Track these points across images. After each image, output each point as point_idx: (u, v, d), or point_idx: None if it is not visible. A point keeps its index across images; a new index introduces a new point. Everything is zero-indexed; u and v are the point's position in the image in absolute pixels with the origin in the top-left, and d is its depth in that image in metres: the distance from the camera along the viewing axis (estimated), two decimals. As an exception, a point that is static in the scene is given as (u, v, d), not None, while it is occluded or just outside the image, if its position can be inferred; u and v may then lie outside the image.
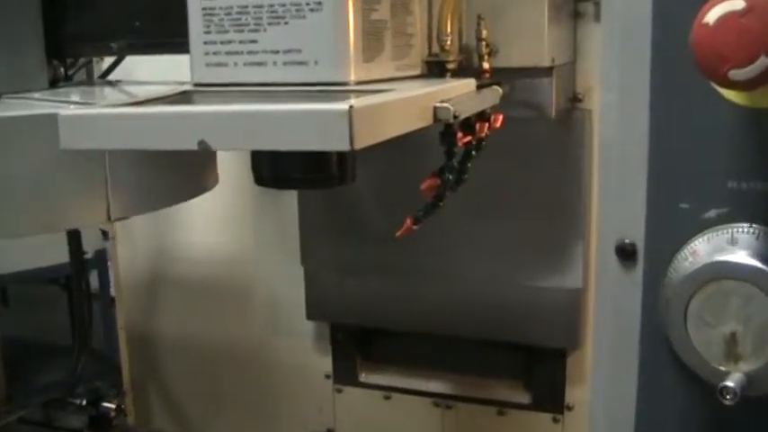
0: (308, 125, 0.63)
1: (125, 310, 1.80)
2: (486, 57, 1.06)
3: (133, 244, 1.76)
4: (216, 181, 1.15)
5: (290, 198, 1.50)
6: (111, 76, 1.34)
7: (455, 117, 0.79)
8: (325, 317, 1.56)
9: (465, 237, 1.38)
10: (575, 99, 1.33)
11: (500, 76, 1.07)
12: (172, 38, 1.04)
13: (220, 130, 0.66)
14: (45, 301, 3.22)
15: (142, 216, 1.66)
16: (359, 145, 0.63)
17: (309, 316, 1.55)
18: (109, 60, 1.35)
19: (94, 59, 1.40)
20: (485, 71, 1.05)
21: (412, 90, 0.80)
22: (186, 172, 1.06)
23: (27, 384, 2.42)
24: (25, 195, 0.90)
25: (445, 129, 0.86)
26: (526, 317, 1.40)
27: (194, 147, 0.67)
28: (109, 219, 0.94)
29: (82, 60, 1.28)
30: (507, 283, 1.40)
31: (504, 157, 1.29)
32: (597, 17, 1.32)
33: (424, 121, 0.78)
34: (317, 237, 1.51)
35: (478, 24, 1.06)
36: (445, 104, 0.79)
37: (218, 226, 1.65)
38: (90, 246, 2.36)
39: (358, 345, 1.58)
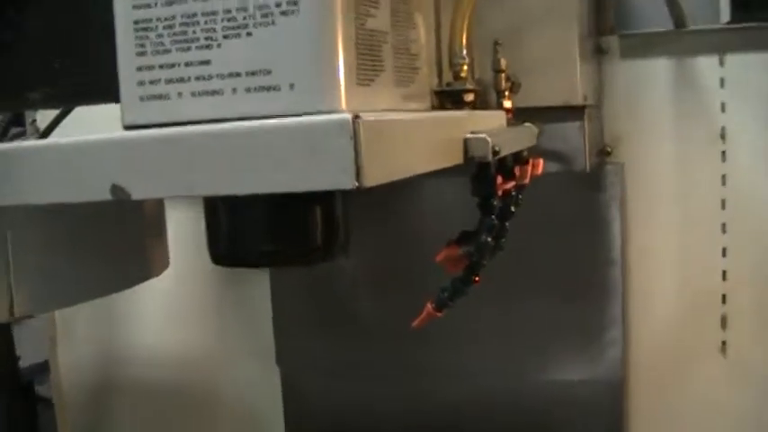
0: (285, 150, 0.39)
1: (70, 424, 1.55)
2: (506, 93, 0.83)
3: (77, 346, 1.52)
4: (165, 264, 0.90)
5: (262, 283, 1.27)
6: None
7: (495, 153, 0.55)
8: (308, 427, 1.32)
9: (475, 324, 1.15)
10: (603, 152, 1.11)
11: (521, 117, 0.84)
12: (107, 81, 0.79)
13: (143, 167, 0.42)
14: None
15: (87, 311, 1.45)
16: (371, 180, 0.38)
17: (289, 428, 1.32)
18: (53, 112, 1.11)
19: (27, 117, 1.17)
20: (505, 111, 0.82)
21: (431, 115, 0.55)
22: (120, 252, 0.81)
23: None
24: None
25: (479, 171, 0.62)
26: (555, 418, 1.17)
27: (107, 195, 0.42)
28: (12, 315, 0.68)
29: (4, 120, 1.04)
30: (530, 378, 1.18)
31: (521, 223, 1.08)
32: (625, 53, 1.11)
33: (450, 158, 0.54)
34: (295, 331, 1.29)
35: (495, 52, 0.83)
36: (481, 135, 0.55)
37: (175, 321, 1.42)
38: (43, 347, 2.15)
39: (348, 460, 1.34)
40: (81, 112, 1.02)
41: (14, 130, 1.33)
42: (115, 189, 0.42)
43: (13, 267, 0.68)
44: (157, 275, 0.88)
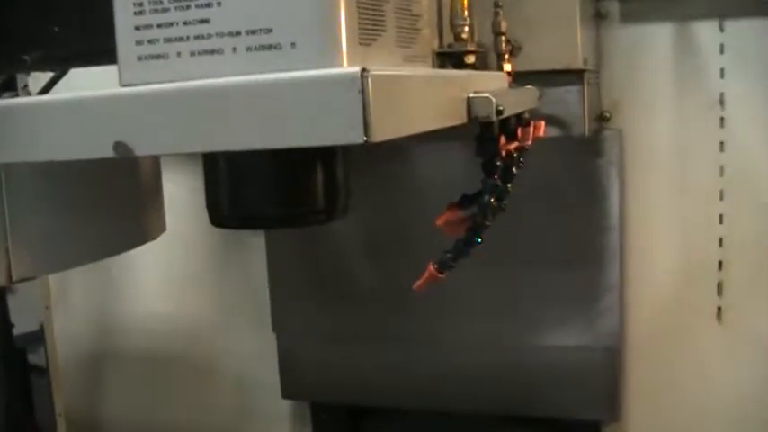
0: (293, 104, 0.38)
1: (64, 392, 1.54)
2: (506, 56, 0.82)
3: (73, 314, 1.52)
4: (162, 227, 0.90)
5: (258, 251, 1.26)
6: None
7: (498, 113, 0.55)
8: (305, 395, 1.34)
9: (471, 290, 1.14)
10: (601, 117, 1.10)
11: (522, 80, 0.83)
12: (103, 44, 0.78)
13: (147, 122, 0.41)
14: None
15: (82, 279, 1.44)
16: (378, 134, 0.38)
17: (285, 394, 1.32)
18: (45, 78, 1.10)
19: (20, 78, 1.15)
20: (506, 74, 0.81)
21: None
22: (118, 215, 0.80)
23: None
24: None
25: (483, 131, 0.61)
26: (551, 385, 1.18)
27: (109, 152, 0.41)
28: (10, 279, 0.68)
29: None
30: (525, 345, 1.18)
31: (518, 188, 1.07)
32: (624, 18, 1.10)
33: (454, 117, 0.53)
34: (291, 298, 1.28)
35: (496, 15, 0.82)
36: (485, 95, 0.54)
37: (171, 289, 1.42)
38: (34, 318, 2.13)
39: (344, 427, 1.35)
40: (73, 77, 1.01)
41: (6, 95, 1.31)
42: (118, 146, 0.41)
43: (10, 230, 0.68)
44: (154, 239, 0.87)
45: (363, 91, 0.38)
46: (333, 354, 1.27)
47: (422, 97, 0.49)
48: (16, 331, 1.76)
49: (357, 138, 0.38)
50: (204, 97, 0.41)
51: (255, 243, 1.27)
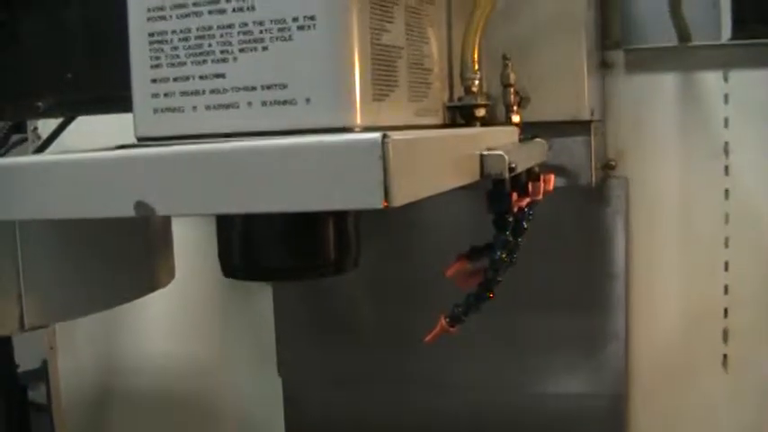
0: (313, 168, 0.39)
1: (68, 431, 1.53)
2: (515, 107, 0.83)
3: (76, 353, 1.51)
4: (171, 275, 0.90)
5: (265, 293, 1.26)
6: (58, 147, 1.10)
7: (511, 169, 0.55)
8: None
9: (477, 336, 1.13)
10: (607, 166, 1.11)
11: (528, 131, 0.84)
12: (117, 91, 0.79)
13: (170, 183, 0.41)
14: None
15: (86, 320, 1.43)
16: (398, 199, 0.39)
17: None
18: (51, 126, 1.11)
19: (29, 125, 1.16)
20: (514, 126, 0.82)
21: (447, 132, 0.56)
22: (129, 263, 0.81)
23: None
24: None
25: (495, 187, 0.62)
26: (556, 431, 1.16)
27: (130, 212, 0.42)
28: (22, 328, 0.68)
29: (5, 127, 1.04)
30: (530, 392, 1.18)
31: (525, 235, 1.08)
32: (629, 67, 1.11)
33: (467, 175, 0.54)
34: (297, 339, 1.28)
35: (505, 66, 0.83)
36: (498, 152, 0.55)
37: (177, 329, 1.41)
38: (36, 354, 2.12)
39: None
40: (81, 120, 1.02)
41: (15, 137, 1.32)
42: (139, 205, 0.42)
43: (23, 279, 0.68)
44: (164, 286, 0.88)
45: (384, 156, 0.38)
46: (337, 397, 1.26)
47: (438, 158, 0.49)
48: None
49: (376, 203, 0.38)
50: (228, 160, 0.41)
51: (262, 288, 1.27)
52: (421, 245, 1.17)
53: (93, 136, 0.97)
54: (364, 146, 0.38)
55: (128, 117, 0.71)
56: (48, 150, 1.13)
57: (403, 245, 1.18)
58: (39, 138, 1.33)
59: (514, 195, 0.64)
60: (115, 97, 0.80)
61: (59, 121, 1.10)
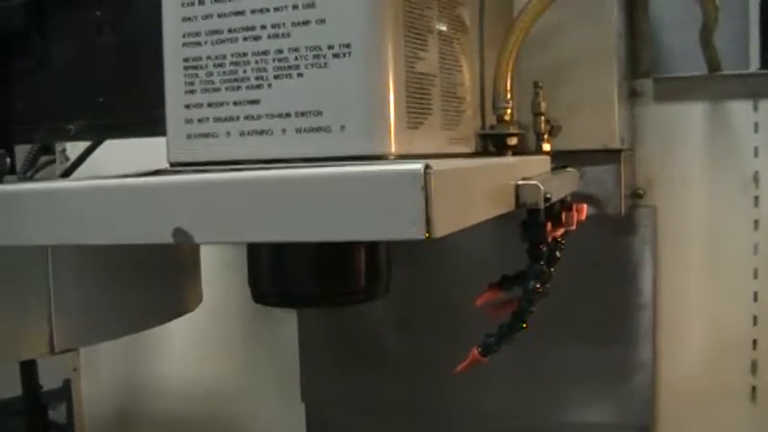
0: (354, 199, 0.39)
1: (89, 454, 1.53)
2: (545, 135, 0.83)
3: (99, 375, 1.51)
4: (199, 299, 0.90)
5: (290, 319, 1.25)
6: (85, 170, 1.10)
7: (546, 199, 0.55)
8: None
9: (504, 365, 1.13)
10: (636, 194, 1.10)
11: (559, 159, 0.84)
12: (146, 115, 0.79)
13: (209, 210, 0.41)
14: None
15: (109, 344, 1.43)
16: (439, 230, 0.38)
17: None
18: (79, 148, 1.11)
19: (57, 146, 1.16)
20: (546, 154, 0.82)
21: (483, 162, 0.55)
22: (158, 287, 0.81)
23: None
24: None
25: (530, 217, 0.61)
26: (581, 463, 1.15)
27: (168, 239, 0.42)
28: (52, 351, 0.68)
29: (34, 148, 1.04)
30: (556, 421, 1.16)
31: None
32: (658, 96, 1.11)
33: (503, 205, 0.54)
34: (321, 366, 1.27)
35: (536, 95, 0.83)
36: (533, 182, 0.55)
37: (200, 353, 1.40)
38: (58, 374, 2.13)
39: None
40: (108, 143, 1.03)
41: (43, 159, 1.33)
42: (177, 233, 0.42)
43: (54, 302, 0.68)
44: (192, 310, 0.88)
45: (426, 188, 0.38)
46: (361, 425, 1.25)
47: (476, 189, 0.49)
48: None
49: (418, 234, 0.38)
50: (268, 188, 0.41)
51: (287, 314, 1.27)
52: (449, 272, 1.16)
53: (112, 157, 0.99)
54: (406, 176, 0.38)
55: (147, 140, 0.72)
56: (75, 173, 1.14)
57: (429, 274, 1.17)
58: (67, 159, 1.33)
59: (549, 225, 0.64)
60: (147, 121, 0.81)
61: (87, 143, 1.11)
